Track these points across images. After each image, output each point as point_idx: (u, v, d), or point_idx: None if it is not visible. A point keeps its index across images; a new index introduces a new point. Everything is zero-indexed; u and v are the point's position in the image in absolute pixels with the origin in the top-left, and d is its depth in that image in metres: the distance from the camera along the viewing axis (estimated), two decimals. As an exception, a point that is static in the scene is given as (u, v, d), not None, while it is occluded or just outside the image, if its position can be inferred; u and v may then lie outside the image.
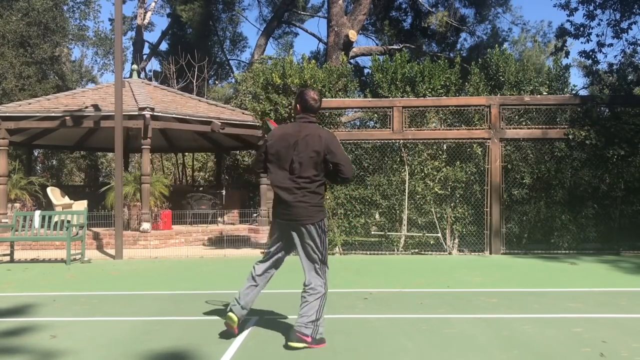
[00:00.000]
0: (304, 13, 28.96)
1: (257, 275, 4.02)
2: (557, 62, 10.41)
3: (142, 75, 24.56)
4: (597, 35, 22.00)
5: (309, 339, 3.75)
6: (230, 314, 3.96)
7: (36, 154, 21.33)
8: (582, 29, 15.70)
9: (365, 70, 24.21)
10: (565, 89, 10.04)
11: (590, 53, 15.56)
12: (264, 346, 3.88)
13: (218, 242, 11.66)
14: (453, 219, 9.41)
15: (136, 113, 11.49)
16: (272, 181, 3.94)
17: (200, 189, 16.99)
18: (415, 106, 9.58)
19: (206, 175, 21.46)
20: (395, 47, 20.59)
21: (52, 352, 3.81)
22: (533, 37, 29.00)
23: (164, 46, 30.31)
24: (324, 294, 3.86)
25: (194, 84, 21.99)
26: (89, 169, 23.05)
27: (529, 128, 9.52)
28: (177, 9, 25.41)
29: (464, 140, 9.45)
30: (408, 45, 21.17)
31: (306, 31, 28.89)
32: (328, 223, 9.43)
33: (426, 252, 9.39)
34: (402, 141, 9.53)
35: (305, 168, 3.84)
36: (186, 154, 19.62)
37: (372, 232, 9.78)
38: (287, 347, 3.79)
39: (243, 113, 13.97)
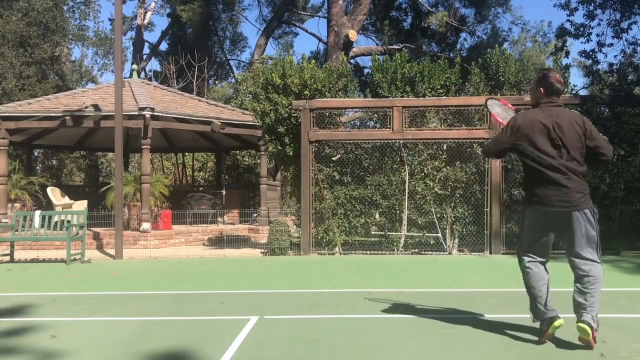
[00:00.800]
0: (304, 13, 28.96)
1: (539, 272, 4.10)
2: (557, 62, 10.43)
3: (142, 75, 24.58)
4: (597, 35, 21.99)
5: (596, 334, 3.70)
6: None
7: (36, 154, 21.33)
8: (582, 29, 15.72)
9: (365, 70, 24.22)
10: (565, 89, 10.04)
11: (590, 53, 15.58)
12: (264, 346, 3.88)
13: (218, 242, 11.66)
14: (453, 219, 9.41)
15: (136, 113, 11.50)
16: (540, 168, 3.76)
17: (200, 189, 17.01)
18: (415, 106, 9.58)
19: (206, 175, 21.45)
20: (395, 47, 20.60)
21: (52, 352, 3.81)
22: (533, 37, 29.01)
23: (164, 46, 30.36)
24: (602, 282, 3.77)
25: (194, 84, 22.00)
26: (89, 169, 23.06)
27: (529, 128, 9.50)
28: (177, 9, 25.42)
29: (464, 140, 9.44)
30: (408, 45, 21.17)
31: (306, 31, 28.91)
32: (328, 223, 9.48)
33: (426, 252, 9.38)
34: (402, 141, 9.53)
35: (570, 154, 3.72)
36: (186, 154, 19.62)
37: (372, 232, 9.77)
38: (580, 329, 3.66)
39: (243, 113, 13.97)
